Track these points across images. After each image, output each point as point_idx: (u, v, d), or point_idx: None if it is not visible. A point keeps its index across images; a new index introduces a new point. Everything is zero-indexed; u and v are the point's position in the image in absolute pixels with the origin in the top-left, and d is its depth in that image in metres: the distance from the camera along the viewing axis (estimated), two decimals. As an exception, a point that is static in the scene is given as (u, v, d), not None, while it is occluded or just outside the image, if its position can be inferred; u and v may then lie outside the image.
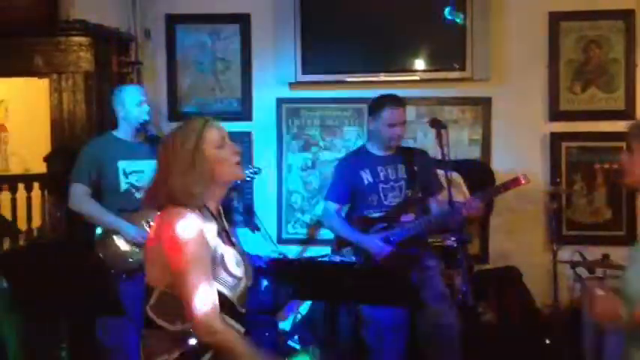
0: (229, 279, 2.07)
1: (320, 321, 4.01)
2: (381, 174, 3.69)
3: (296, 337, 4.23)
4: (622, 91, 4.53)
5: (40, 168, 4.42)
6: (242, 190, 4.35)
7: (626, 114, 4.50)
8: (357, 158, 3.78)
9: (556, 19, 4.56)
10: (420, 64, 4.64)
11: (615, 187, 4.54)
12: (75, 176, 3.62)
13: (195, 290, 1.97)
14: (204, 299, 1.97)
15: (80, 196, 3.60)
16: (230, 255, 2.09)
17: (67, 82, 4.25)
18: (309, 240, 4.80)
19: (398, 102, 3.65)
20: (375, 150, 3.74)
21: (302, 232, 4.84)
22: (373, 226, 3.67)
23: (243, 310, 2.16)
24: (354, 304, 3.64)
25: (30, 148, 5.16)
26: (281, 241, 4.79)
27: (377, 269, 3.41)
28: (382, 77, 4.62)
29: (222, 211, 2.23)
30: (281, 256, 4.44)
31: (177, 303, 2.02)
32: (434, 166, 3.74)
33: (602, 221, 4.58)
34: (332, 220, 3.76)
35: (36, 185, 4.22)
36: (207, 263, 2.01)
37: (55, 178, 4.25)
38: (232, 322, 2.09)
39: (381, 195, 3.68)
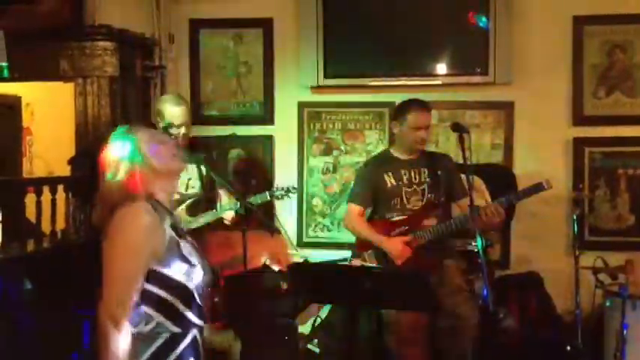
0: (184, 265, 2.12)
1: (340, 325, 4.02)
2: (405, 177, 3.70)
3: (315, 340, 4.23)
4: (646, 96, 4.49)
5: (64, 171, 4.48)
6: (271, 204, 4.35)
7: (650, 119, 4.47)
8: (381, 161, 3.81)
9: (580, 22, 4.53)
10: (442, 67, 4.63)
11: (638, 193, 4.50)
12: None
13: (117, 282, 2.02)
14: (120, 296, 2.01)
15: None
16: (184, 245, 2.15)
17: (92, 87, 4.30)
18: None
19: (423, 105, 3.69)
20: (399, 154, 3.75)
21: (322, 236, 4.85)
22: (395, 229, 3.68)
23: (202, 304, 2.19)
24: (374, 309, 3.64)
25: (54, 152, 5.23)
26: (302, 244, 4.80)
27: (396, 273, 3.41)
28: (404, 81, 4.62)
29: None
30: (302, 260, 4.45)
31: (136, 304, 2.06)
32: (457, 171, 3.73)
33: (625, 227, 4.53)
34: (354, 222, 3.78)
35: (60, 188, 4.26)
36: (143, 257, 2.05)
37: (79, 180, 4.30)
38: (194, 316, 2.14)
39: (404, 198, 3.69)
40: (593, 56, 4.54)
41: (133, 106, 4.52)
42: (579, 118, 4.57)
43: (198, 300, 2.16)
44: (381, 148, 4.74)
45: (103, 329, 2.00)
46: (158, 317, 2.09)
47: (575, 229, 4.18)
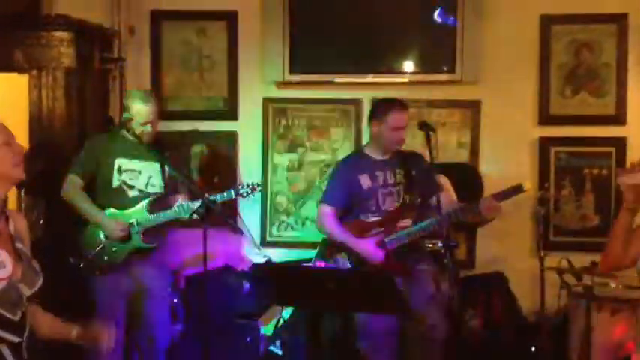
0: None
1: (304, 326, 3.95)
2: (380, 178, 3.67)
3: (278, 342, 4.15)
4: (613, 96, 4.48)
5: (18, 166, 4.30)
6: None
7: (616, 119, 4.48)
8: (355, 161, 3.77)
9: (547, 22, 4.51)
10: (409, 65, 4.58)
11: (603, 194, 4.50)
12: (72, 167, 3.73)
13: None
14: None
15: (72, 187, 3.71)
16: None
17: (48, 79, 4.13)
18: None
19: (403, 106, 3.67)
20: (374, 154, 3.72)
21: (287, 235, 4.76)
22: (369, 231, 3.63)
23: (16, 318, 2.07)
24: (339, 311, 3.59)
25: (8, 146, 5.02)
26: (265, 243, 4.70)
27: (361, 274, 3.35)
28: (371, 78, 4.56)
29: (7, 212, 2.21)
30: (265, 260, 4.36)
31: None
32: (430, 168, 3.66)
33: (590, 227, 4.53)
34: (327, 224, 3.71)
35: (13, 184, 4.11)
36: None
37: (33, 177, 4.13)
38: None
39: (379, 200, 3.66)
40: (560, 55, 4.52)
41: (90, 100, 4.36)
42: (545, 118, 4.55)
43: (4, 313, 2.03)
44: (347, 145, 4.68)
45: None
46: None
47: (541, 229, 4.18)
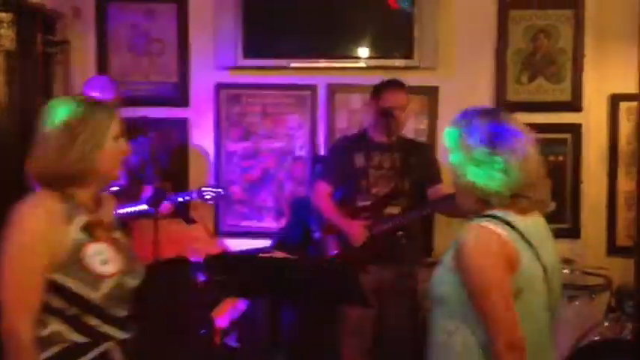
0: (87, 277, 1.86)
1: (261, 319, 3.86)
2: (375, 159, 3.61)
3: (233, 335, 4.05)
4: (569, 83, 4.47)
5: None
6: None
7: (572, 106, 4.46)
8: (354, 141, 3.72)
9: (505, 6, 4.47)
10: (365, 50, 4.48)
11: (560, 180, 4.50)
12: None
13: (8, 287, 1.81)
14: (15, 299, 1.80)
15: None
16: (92, 251, 1.88)
17: (-14, 62, 3.92)
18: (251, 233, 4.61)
19: (398, 85, 3.61)
20: (376, 136, 3.63)
21: (241, 225, 4.63)
22: (358, 217, 3.59)
23: (123, 313, 1.97)
24: (297, 301, 3.52)
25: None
26: (220, 233, 4.57)
27: (321, 264, 3.28)
28: (326, 63, 4.46)
29: (104, 202, 2.05)
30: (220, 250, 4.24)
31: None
32: (435, 160, 3.72)
33: (548, 214, 4.51)
34: (320, 200, 3.67)
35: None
36: (34, 259, 1.81)
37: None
38: (106, 327, 1.91)
39: (370, 181, 3.59)
40: (517, 41, 4.49)
41: (32, 85, 4.14)
42: (502, 104, 4.50)
43: (108, 310, 1.91)
44: (302, 132, 4.58)
45: (9, 344, 1.82)
46: (54, 323, 1.86)
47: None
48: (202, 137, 4.62)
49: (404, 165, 3.57)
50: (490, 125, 2.02)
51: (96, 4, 4.57)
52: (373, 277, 3.46)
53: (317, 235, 3.77)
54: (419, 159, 3.62)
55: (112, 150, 1.95)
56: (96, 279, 1.87)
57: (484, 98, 4.53)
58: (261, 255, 3.85)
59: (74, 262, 1.85)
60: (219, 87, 4.59)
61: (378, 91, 3.63)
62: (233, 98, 4.61)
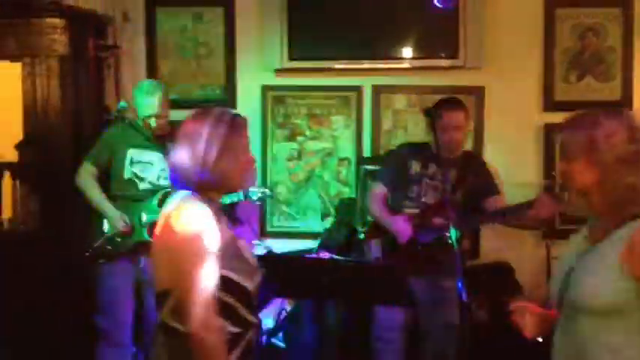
0: (248, 268, 2.04)
1: (307, 318, 3.89)
2: (430, 170, 3.60)
3: (280, 335, 4.07)
4: (618, 81, 4.40)
5: (12, 157, 4.22)
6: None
7: (622, 104, 4.37)
8: (415, 148, 3.73)
9: (551, 5, 4.41)
10: (410, 51, 4.47)
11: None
12: (88, 155, 3.75)
13: (195, 286, 1.90)
14: (203, 295, 1.90)
15: (84, 174, 3.71)
16: (244, 245, 2.08)
17: (41, 67, 4.03)
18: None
19: (456, 105, 3.55)
20: (436, 148, 3.59)
21: (287, 225, 4.67)
22: None
23: (256, 302, 2.11)
24: (344, 302, 3.53)
25: (0, 136, 4.95)
26: (265, 234, 4.62)
27: (363, 266, 3.30)
28: (371, 64, 4.46)
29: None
30: (265, 251, 4.28)
31: None
32: (489, 172, 3.71)
33: (597, 215, 4.44)
34: (372, 201, 3.68)
35: (7, 174, 4.03)
36: (211, 258, 1.93)
37: (28, 167, 4.05)
38: (251, 316, 2.04)
39: (422, 190, 3.59)
40: (564, 40, 4.43)
41: (85, 88, 4.25)
42: (550, 104, 4.46)
43: (254, 300, 2.06)
44: (347, 133, 4.60)
45: (204, 334, 1.92)
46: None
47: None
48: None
49: (459, 179, 3.55)
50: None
51: (145, 9, 4.66)
52: (416, 287, 3.45)
53: (362, 236, 3.77)
54: (475, 173, 3.60)
55: (245, 161, 2.11)
56: (252, 269, 2.06)
57: (531, 98, 4.49)
58: (307, 256, 3.88)
59: (232, 255, 2.00)
60: (266, 89, 4.64)
61: (436, 107, 3.58)
62: (279, 100, 4.66)
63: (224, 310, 1.96)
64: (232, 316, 1.98)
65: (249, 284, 2.02)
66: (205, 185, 2.04)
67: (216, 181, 2.04)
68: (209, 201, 2.04)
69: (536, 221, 3.38)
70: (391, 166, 3.75)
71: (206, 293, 1.90)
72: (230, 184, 2.10)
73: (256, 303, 2.09)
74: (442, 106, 3.57)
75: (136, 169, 3.69)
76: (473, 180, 3.57)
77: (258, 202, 3.85)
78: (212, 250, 1.93)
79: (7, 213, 4.09)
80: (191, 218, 1.95)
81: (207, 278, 1.91)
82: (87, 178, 3.71)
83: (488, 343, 3.91)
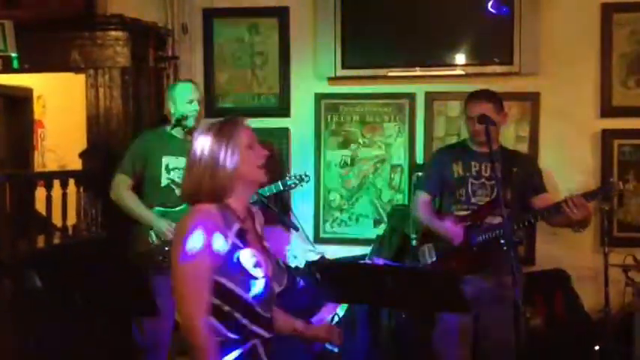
0: (242, 277, 2.03)
1: (361, 323, 3.90)
2: (474, 169, 3.55)
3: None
4: (678, 86, 4.31)
5: (76, 165, 4.38)
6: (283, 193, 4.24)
7: (681, 110, 4.29)
8: (453, 150, 3.70)
9: (608, 10, 4.35)
10: (464, 57, 4.47)
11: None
12: (120, 166, 3.69)
13: (189, 314, 2.01)
14: (194, 302, 2.00)
15: (120, 187, 3.65)
16: (247, 256, 2.05)
17: (104, 78, 4.21)
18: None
19: (479, 96, 3.51)
20: (475, 146, 3.57)
21: (340, 232, 4.72)
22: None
23: (268, 315, 2.12)
24: (398, 308, 3.52)
25: (66, 145, 5.15)
26: (319, 240, 4.67)
27: (420, 272, 3.29)
28: (424, 72, 4.47)
29: (253, 211, 2.24)
30: (319, 256, 4.33)
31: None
32: (538, 169, 3.65)
33: None
34: (418, 210, 3.65)
35: (71, 182, 4.17)
36: (205, 284, 2.00)
37: (91, 174, 4.20)
38: (255, 327, 2.05)
39: (470, 191, 3.53)
40: (622, 45, 4.35)
41: (145, 98, 4.40)
42: (608, 109, 4.39)
43: (259, 311, 2.07)
44: (400, 141, 4.62)
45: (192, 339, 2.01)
46: (213, 320, 2.03)
47: (605, 224, 4.02)
48: (303, 146, 4.74)
49: (506, 174, 3.46)
50: None
51: (203, 21, 4.79)
52: (472, 287, 3.42)
53: (415, 242, 3.77)
54: (521, 169, 3.52)
55: (249, 158, 2.13)
56: (249, 280, 2.04)
57: (588, 103, 4.42)
58: (359, 262, 3.90)
59: (231, 263, 2.03)
60: (319, 97, 4.70)
61: (466, 102, 3.57)
62: (332, 108, 4.71)
63: (217, 313, 2.02)
64: (227, 321, 2.03)
65: (246, 293, 2.03)
66: (216, 194, 2.07)
67: (225, 186, 2.07)
68: (223, 207, 2.06)
69: (571, 221, 3.34)
70: (432, 173, 3.71)
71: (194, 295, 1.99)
72: (245, 182, 2.12)
73: (266, 314, 2.09)
74: (469, 97, 3.55)
75: (173, 176, 3.62)
76: (518, 173, 3.48)
77: (294, 189, 3.84)
78: (203, 261, 1.98)
79: (71, 219, 4.23)
80: (186, 234, 1.99)
81: (195, 288, 1.99)
82: (123, 189, 3.64)
83: (543, 353, 3.86)
